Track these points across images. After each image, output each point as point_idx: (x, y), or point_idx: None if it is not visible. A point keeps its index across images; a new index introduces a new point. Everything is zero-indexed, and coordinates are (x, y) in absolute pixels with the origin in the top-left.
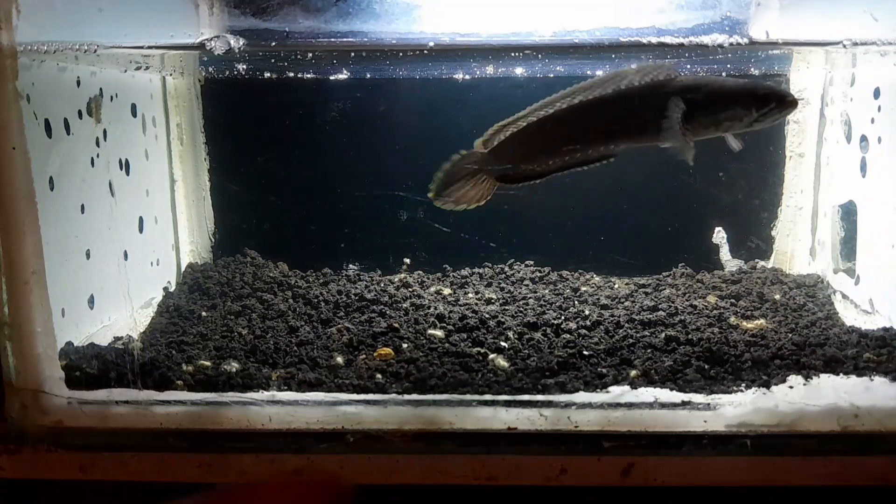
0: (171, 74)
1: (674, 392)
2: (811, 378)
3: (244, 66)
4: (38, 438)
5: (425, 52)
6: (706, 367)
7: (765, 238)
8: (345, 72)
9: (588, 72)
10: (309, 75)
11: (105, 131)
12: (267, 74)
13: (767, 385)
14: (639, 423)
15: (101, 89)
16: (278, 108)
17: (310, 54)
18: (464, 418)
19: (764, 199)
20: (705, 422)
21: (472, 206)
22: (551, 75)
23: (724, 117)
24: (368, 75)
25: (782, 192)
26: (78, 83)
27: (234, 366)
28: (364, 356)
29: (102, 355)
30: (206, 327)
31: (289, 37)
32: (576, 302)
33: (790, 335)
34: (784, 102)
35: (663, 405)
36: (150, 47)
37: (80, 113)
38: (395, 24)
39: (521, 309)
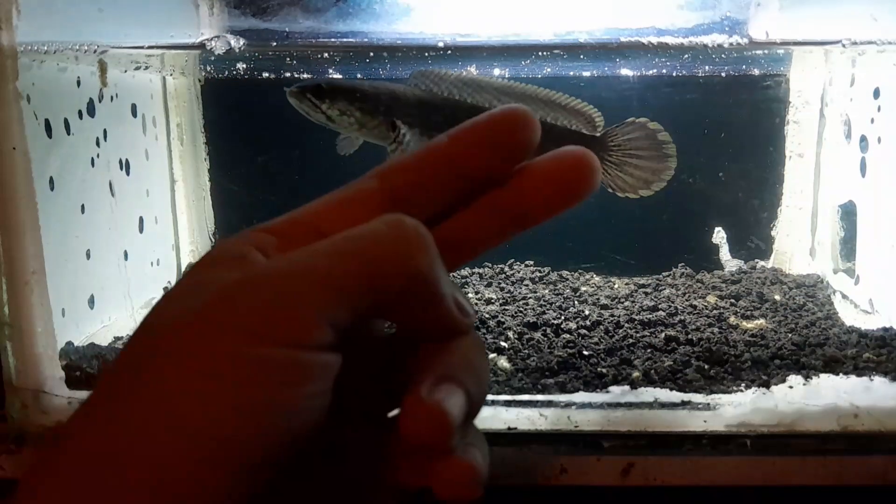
0: (171, 74)
1: (674, 392)
2: (811, 378)
3: (244, 66)
4: (38, 438)
5: (426, 52)
6: (706, 367)
7: (765, 238)
8: (344, 72)
9: (585, 73)
10: (309, 75)
11: (105, 131)
12: (267, 74)
13: (767, 385)
14: (639, 423)
15: (100, 89)
16: (278, 108)
17: (323, 53)
18: None
19: (764, 199)
20: (705, 422)
21: None
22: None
23: None
24: (369, 75)
25: (782, 192)
26: (78, 83)
27: None
28: None
29: (103, 355)
30: None
31: (289, 37)
32: (576, 302)
33: (790, 335)
34: None
35: (663, 405)
36: (150, 47)
37: (80, 113)
38: (395, 24)
39: (521, 309)
